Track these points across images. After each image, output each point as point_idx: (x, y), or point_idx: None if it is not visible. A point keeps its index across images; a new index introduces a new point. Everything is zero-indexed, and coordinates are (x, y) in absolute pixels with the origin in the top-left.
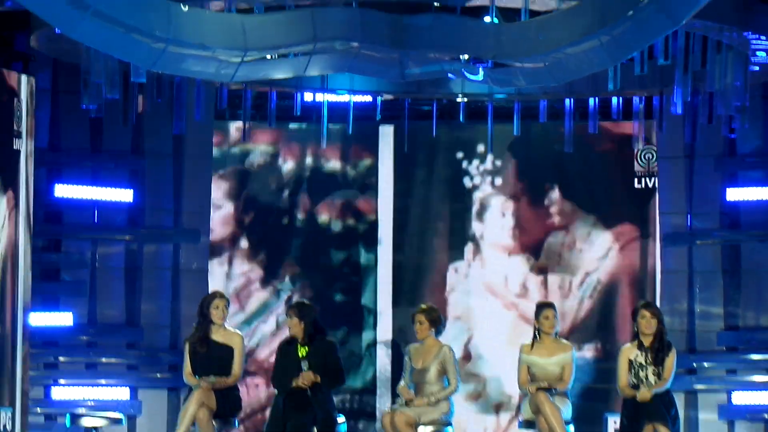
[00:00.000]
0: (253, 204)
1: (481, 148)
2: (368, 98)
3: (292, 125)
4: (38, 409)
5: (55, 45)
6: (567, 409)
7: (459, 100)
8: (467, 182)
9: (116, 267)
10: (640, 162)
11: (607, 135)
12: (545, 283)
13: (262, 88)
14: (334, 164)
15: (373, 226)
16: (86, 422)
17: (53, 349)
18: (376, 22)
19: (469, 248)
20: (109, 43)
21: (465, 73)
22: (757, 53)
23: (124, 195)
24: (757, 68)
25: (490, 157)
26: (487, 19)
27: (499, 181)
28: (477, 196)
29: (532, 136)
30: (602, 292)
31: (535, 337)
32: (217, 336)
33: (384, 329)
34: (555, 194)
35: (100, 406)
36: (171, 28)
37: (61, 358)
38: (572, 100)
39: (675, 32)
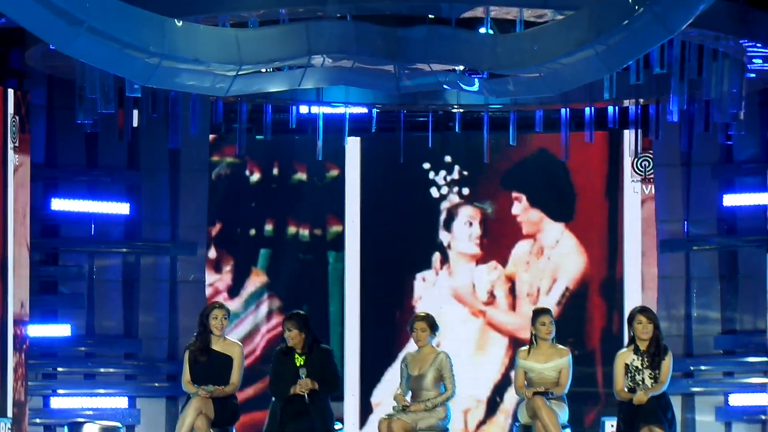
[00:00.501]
0: (221, 215)
1: (447, 158)
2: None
3: (258, 137)
4: (37, 419)
5: (50, 61)
6: (564, 413)
7: (455, 110)
8: (434, 192)
9: (114, 279)
10: (636, 170)
11: (578, 144)
12: (513, 291)
13: (257, 102)
14: (300, 175)
15: (341, 236)
16: (85, 430)
17: (52, 360)
18: (370, 34)
19: (436, 257)
20: (103, 58)
21: (460, 84)
22: (754, 60)
23: (121, 208)
24: (753, 75)
25: (457, 168)
26: (482, 30)
27: (466, 190)
28: (444, 206)
29: (500, 146)
30: (571, 299)
31: (531, 342)
32: (217, 346)
33: (352, 338)
34: (523, 203)
35: (99, 415)
36: (165, 43)
37: (60, 369)
38: (568, 109)
39: (671, 41)
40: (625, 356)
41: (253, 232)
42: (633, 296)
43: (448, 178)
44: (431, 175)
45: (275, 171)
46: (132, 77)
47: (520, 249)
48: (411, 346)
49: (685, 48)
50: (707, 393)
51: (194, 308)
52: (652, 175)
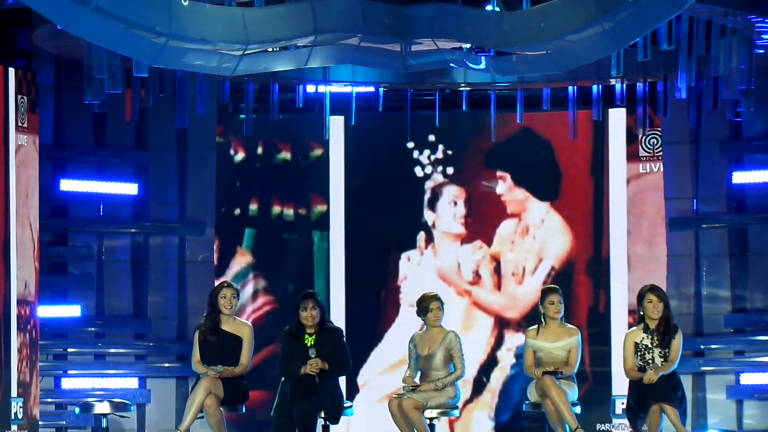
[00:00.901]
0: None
1: (431, 137)
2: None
3: (242, 116)
4: (49, 399)
5: (58, 41)
6: (573, 392)
7: (462, 89)
8: (418, 171)
9: (122, 260)
10: (644, 147)
11: (562, 123)
12: (498, 270)
13: (264, 81)
14: (284, 155)
15: (325, 216)
16: (97, 409)
17: (62, 341)
18: (377, 12)
19: (421, 237)
20: (110, 38)
21: (467, 62)
22: (762, 36)
23: (129, 189)
24: (761, 51)
25: (441, 147)
26: (488, 7)
27: (450, 170)
28: (428, 185)
29: (484, 124)
30: (557, 278)
31: (540, 322)
32: (227, 326)
33: (337, 318)
34: (507, 182)
35: (110, 395)
36: (172, 23)
37: (70, 350)
38: (576, 87)
39: (678, 17)
40: (635, 335)
41: (237, 211)
42: (619, 275)
43: (432, 158)
44: (415, 154)
45: (259, 150)
46: (139, 57)
47: (505, 228)
48: (397, 326)
49: (693, 24)
50: (718, 372)
51: (203, 288)
52: (660, 153)
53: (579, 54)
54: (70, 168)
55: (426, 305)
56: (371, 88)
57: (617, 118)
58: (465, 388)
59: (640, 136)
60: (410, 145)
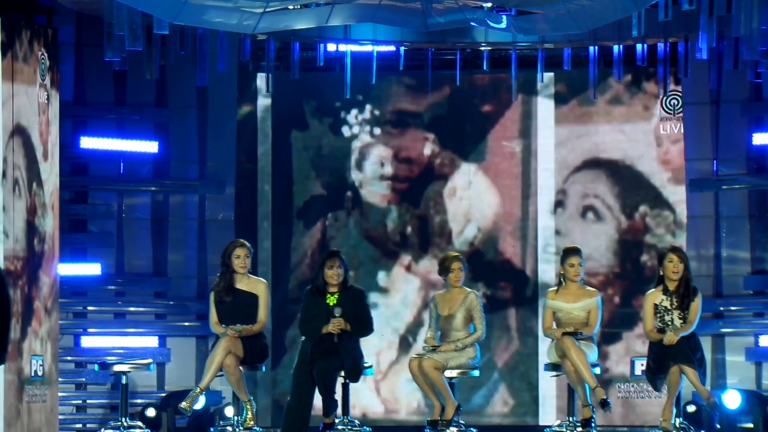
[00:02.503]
0: None
1: (359, 97)
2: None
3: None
4: (68, 357)
5: None
6: (593, 353)
7: (482, 48)
8: (346, 131)
9: (143, 218)
10: (665, 108)
11: (491, 84)
12: (425, 232)
13: (285, 39)
14: None
15: (252, 174)
16: (116, 367)
17: (82, 299)
18: None
19: (348, 197)
20: None
21: (488, 21)
22: None
23: (149, 147)
24: None
25: (368, 107)
26: None
27: (377, 130)
28: (355, 145)
29: (412, 86)
30: (483, 240)
31: (560, 282)
32: (241, 284)
33: (264, 278)
34: (434, 143)
35: (129, 354)
36: None
37: (90, 308)
38: (596, 47)
39: None
40: (654, 296)
41: None
42: (546, 238)
43: (360, 117)
44: (342, 114)
45: None
46: (159, 14)
47: (432, 190)
48: None
49: None
50: (737, 334)
51: (223, 247)
52: (681, 114)
53: (599, 13)
54: (91, 125)
55: (447, 265)
56: (392, 48)
57: (546, 82)
58: (391, 349)
59: (660, 96)
60: (337, 104)
